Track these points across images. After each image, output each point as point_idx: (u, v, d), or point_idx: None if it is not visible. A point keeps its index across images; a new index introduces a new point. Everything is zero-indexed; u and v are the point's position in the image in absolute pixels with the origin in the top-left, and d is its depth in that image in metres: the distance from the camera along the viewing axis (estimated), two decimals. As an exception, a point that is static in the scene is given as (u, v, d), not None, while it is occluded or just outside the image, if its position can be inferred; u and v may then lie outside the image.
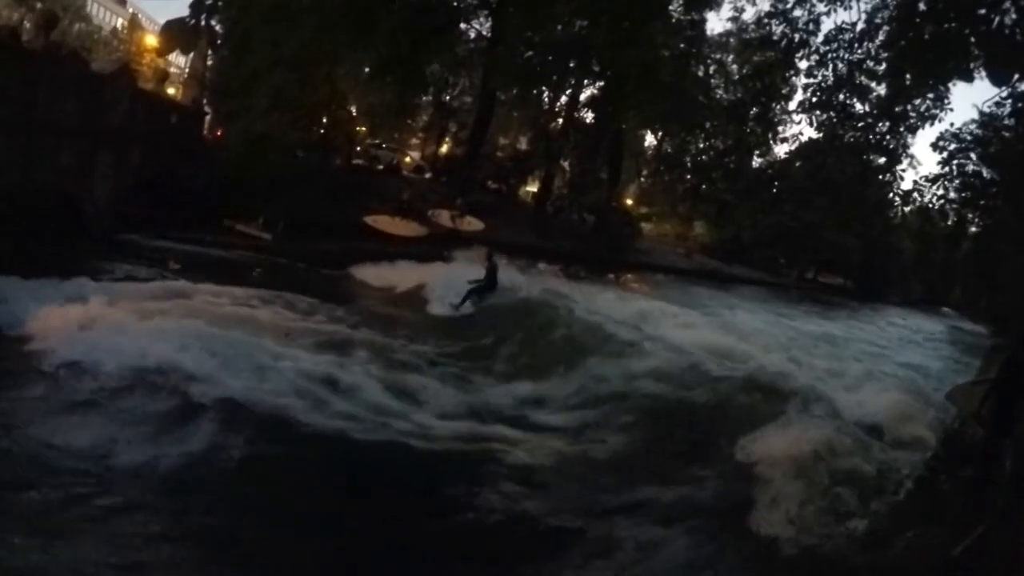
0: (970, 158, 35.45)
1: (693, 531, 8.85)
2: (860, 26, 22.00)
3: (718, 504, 9.46)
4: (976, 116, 34.73)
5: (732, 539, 8.67)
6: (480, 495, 9.31)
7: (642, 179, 60.06)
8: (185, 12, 5.30)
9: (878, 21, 21.78)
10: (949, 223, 45.01)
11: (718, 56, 50.50)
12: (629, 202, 54.24)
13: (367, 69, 35.61)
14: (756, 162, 55.46)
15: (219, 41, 26.44)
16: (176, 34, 5.39)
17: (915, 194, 42.03)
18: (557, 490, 9.75)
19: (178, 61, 49.65)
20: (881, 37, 22.95)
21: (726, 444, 11.05)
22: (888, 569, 7.27)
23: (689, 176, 56.07)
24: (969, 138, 35.02)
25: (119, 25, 73.00)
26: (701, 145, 55.64)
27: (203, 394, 10.25)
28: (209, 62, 31.60)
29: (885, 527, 8.11)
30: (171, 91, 34.89)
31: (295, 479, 9.00)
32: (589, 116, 44.29)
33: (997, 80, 5.36)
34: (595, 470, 10.66)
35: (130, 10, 79.12)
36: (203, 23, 5.41)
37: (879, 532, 8.03)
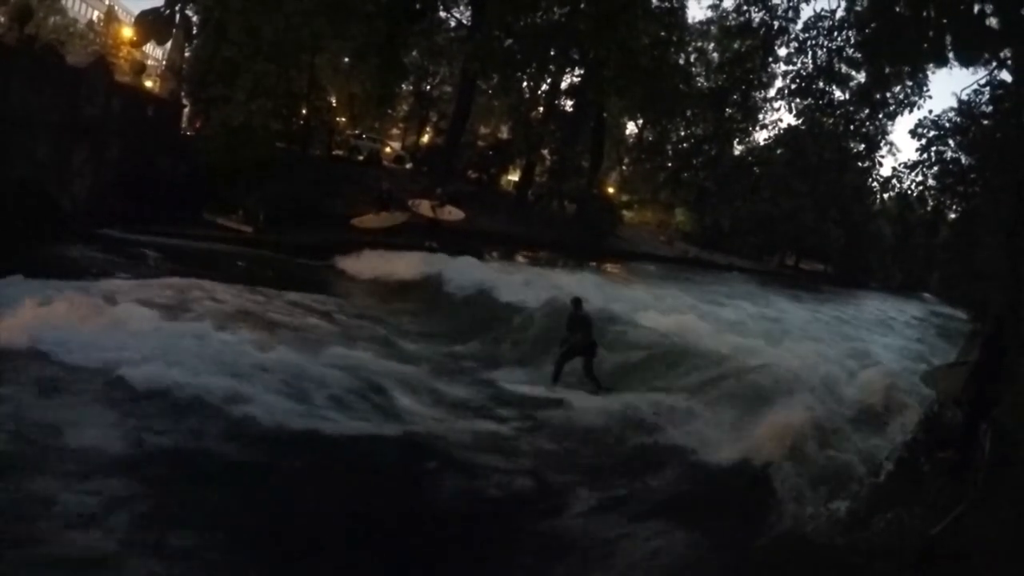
0: (948, 145, 35.70)
1: (677, 521, 8.92)
2: (840, 13, 22.17)
3: (702, 493, 9.55)
4: (955, 104, 34.96)
5: (714, 526, 8.76)
6: (452, 494, 9.29)
7: (623, 167, 60.15)
8: (160, 3, 5.25)
9: (858, 8, 21.94)
10: (928, 209, 45.36)
11: (698, 43, 50.58)
12: (611, 190, 54.32)
13: (346, 59, 35.41)
14: (736, 149, 55.69)
15: (195, 31, 26.18)
16: (150, 25, 5.33)
17: (894, 180, 42.45)
18: (545, 486, 9.78)
19: (155, 53, 49.16)
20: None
21: (708, 433, 11.14)
22: (868, 550, 7.36)
23: (670, 164, 56.20)
24: (947, 125, 35.27)
25: (95, 17, 71.90)
26: (682, 132, 55.75)
27: (179, 390, 10.17)
28: (187, 53, 31.24)
29: (865, 509, 8.20)
30: (148, 83, 34.45)
31: (269, 472, 9.00)
32: (569, 104, 44.33)
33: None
34: (578, 466, 10.68)
35: (106, 2, 77.96)
36: (178, 13, 5.36)
37: (859, 514, 8.12)
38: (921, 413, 11.48)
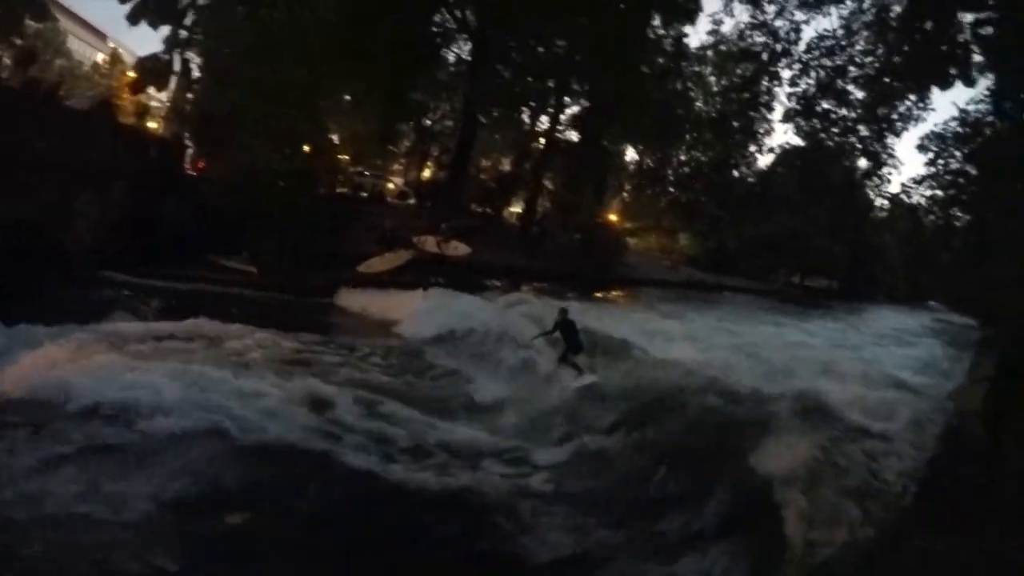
0: (954, 156, 35.74)
1: (696, 554, 8.65)
2: (839, 31, 22.22)
3: (721, 524, 9.24)
4: (955, 113, 35.16)
5: (738, 559, 8.49)
6: (472, 533, 9.18)
7: (624, 194, 60.12)
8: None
9: (855, 27, 22.00)
10: (938, 221, 45.27)
11: (696, 69, 50.79)
12: (613, 217, 54.28)
13: (347, 97, 35.65)
14: (744, 171, 55.92)
15: (196, 75, 26.35)
16: (149, 70, 5.32)
17: (902, 196, 42.47)
18: (553, 525, 9.57)
19: (159, 95, 49.76)
20: (860, 43, 23.22)
21: (725, 459, 10.87)
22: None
23: (671, 189, 56.23)
24: (951, 137, 35.33)
25: (100, 60, 72.79)
26: (683, 157, 55.84)
27: (189, 430, 10.29)
28: (189, 95, 31.46)
29: (893, 534, 7.98)
30: (152, 125, 34.69)
31: (282, 511, 9.02)
32: (572, 135, 44.45)
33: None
34: (591, 499, 10.47)
35: (111, 45, 78.98)
36: (178, 58, 5.34)
37: (887, 540, 7.90)
38: (942, 431, 11.30)
